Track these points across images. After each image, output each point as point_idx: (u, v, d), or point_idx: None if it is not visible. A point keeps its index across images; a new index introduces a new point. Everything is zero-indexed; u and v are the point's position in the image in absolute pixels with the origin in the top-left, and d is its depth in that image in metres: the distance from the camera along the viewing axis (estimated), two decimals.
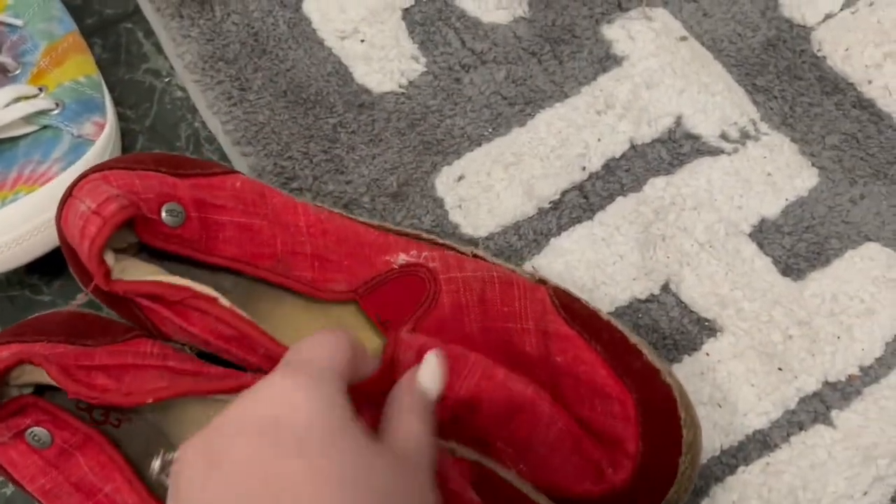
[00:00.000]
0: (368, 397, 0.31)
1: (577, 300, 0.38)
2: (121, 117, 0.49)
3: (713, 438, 0.40)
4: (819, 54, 0.48)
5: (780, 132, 0.46)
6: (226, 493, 0.24)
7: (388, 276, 0.38)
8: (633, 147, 0.46)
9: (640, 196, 0.45)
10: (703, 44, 0.48)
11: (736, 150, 0.46)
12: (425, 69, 0.49)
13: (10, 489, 0.42)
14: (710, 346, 0.42)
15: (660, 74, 0.47)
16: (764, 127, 0.46)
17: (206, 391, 0.34)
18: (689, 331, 0.42)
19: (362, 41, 0.50)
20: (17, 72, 0.45)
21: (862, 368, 0.41)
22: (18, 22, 0.46)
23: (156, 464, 0.33)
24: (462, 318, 0.36)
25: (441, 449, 0.33)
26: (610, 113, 0.47)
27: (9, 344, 0.36)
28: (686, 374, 0.41)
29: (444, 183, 0.46)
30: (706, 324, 0.42)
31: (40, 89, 0.44)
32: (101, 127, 0.45)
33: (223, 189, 0.37)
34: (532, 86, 0.48)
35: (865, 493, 0.39)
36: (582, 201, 0.45)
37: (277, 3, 0.51)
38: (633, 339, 0.36)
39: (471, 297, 0.37)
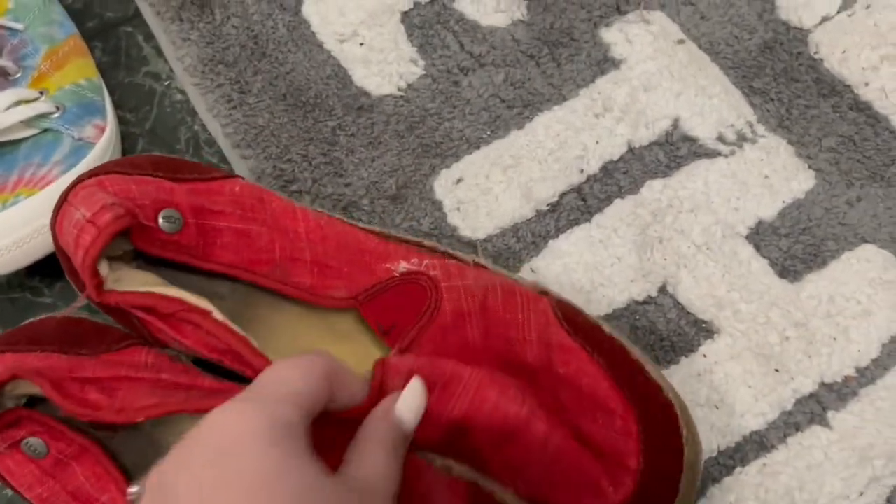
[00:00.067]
0: (357, 424, 0.31)
1: (579, 313, 0.37)
2: (121, 120, 0.49)
3: (710, 440, 0.40)
4: (816, 57, 0.48)
5: (776, 134, 0.46)
6: None
7: (388, 283, 0.37)
8: (630, 150, 0.47)
9: (638, 198, 0.45)
10: (700, 47, 0.49)
11: (733, 153, 0.46)
12: (424, 72, 0.49)
13: (9, 491, 0.42)
14: (707, 347, 0.42)
15: (657, 77, 0.48)
16: (761, 129, 0.46)
17: (195, 409, 0.34)
18: (686, 332, 0.42)
19: (361, 44, 0.50)
20: (18, 75, 0.45)
21: (858, 370, 0.41)
22: (19, 26, 0.46)
23: (132, 490, 0.33)
24: (464, 325, 0.36)
25: (435, 469, 0.33)
26: (608, 116, 0.47)
27: (2, 353, 0.36)
28: (683, 375, 0.41)
29: (443, 185, 0.46)
30: (703, 325, 0.43)
31: (41, 93, 0.45)
32: (102, 130, 0.45)
33: (221, 194, 0.37)
34: (530, 89, 0.48)
35: (861, 494, 0.39)
36: (580, 204, 0.45)
37: (277, 6, 0.51)
38: (636, 353, 0.36)
39: (472, 305, 0.36)
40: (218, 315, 0.35)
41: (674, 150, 0.46)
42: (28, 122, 0.43)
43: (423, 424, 0.33)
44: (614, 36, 0.49)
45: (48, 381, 0.34)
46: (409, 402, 0.32)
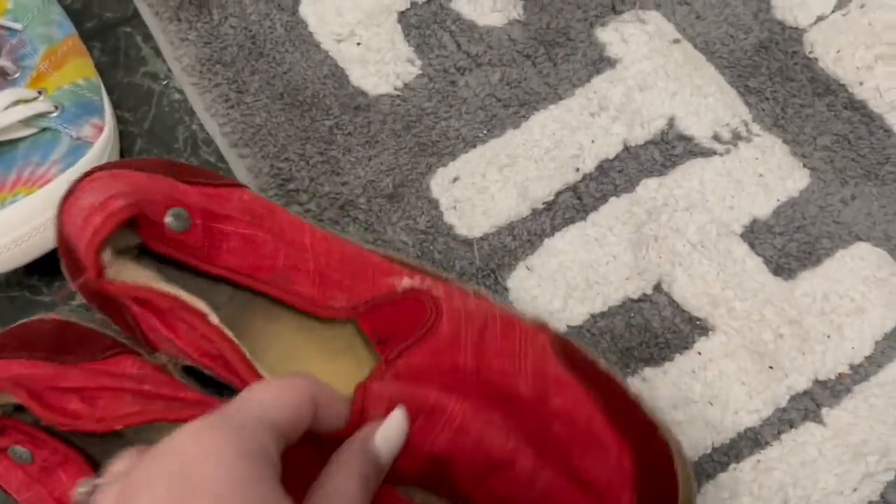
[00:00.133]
0: (334, 444, 0.31)
1: (577, 349, 0.37)
2: (119, 120, 0.49)
3: (705, 436, 0.40)
4: (811, 56, 0.48)
5: (771, 133, 0.47)
6: None
7: (389, 296, 0.37)
8: (626, 148, 0.47)
9: (633, 197, 0.45)
10: (695, 46, 0.49)
11: (728, 152, 0.46)
12: (421, 72, 0.49)
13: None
14: (701, 344, 0.42)
15: (653, 77, 0.48)
16: (756, 128, 0.47)
17: (175, 418, 0.34)
18: (681, 330, 0.43)
19: (358, 44, 0.50)
20: (17, 75, 0.45)
21: (852, 367, 0.41)
22: (18, 26, 0.47)
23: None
24: (459, 348, 0.35)
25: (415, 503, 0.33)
26: (603, 115, 0.47)
27: None
28: (678, 372, 0.42)
29: (440, 184, 0.47)
30: (698, 323, 0.43)
31: (39, 92, 0.45)
32: (100, 129, 0.46)
33: (231, 200, 0.37)
34: (526, 88, 0.49)
35: (855, 490, 0.39)
36: (575, 202, 0.46)
37: (274, 6, 0.52)
38: (632, 392, 0.36)
39: (471, 329, 0.36)
40: (214, 319, 0.34)
41: (669, 149, 0.46)
42: (27, 122, 0.44)
43: (403, 456, 0.32)
44: (610, 35, 0.49)
45: (26, 392, 0.34)
46: (389, 433, 0.31)
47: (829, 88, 0.47)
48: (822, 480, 0.39)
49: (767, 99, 0.47)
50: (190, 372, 0.38)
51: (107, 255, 0.34)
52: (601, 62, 0.49)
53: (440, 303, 0.36)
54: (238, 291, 0.39)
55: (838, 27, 0.49)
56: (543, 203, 0.46)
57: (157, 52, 0.52)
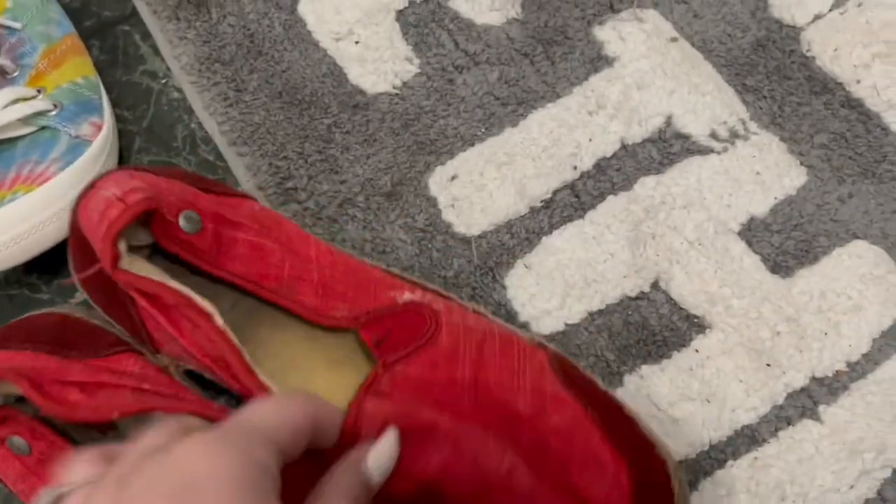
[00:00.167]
0: (325, 458, 0.31)
1: (575, 367, 0.37)
2: (118, 118, 0.50)
3: (702, 434, 0.41)
4: (808, 54, 0.48)
5: (769, 131, 0.47)
6: None
7: (390, 308, 0.37)
8: (623, 147, 0.47)
9: (631, 195, 0.46)
10: (693, 45, 0.49)
11: (725, 150, 0.46)
12: (419, 70, 0.49)
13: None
14: (699, 342, 0.42)
15: (650, 75, 0.48)
16: (753, 126, 0.47)
17: (172, 409, 0.34)
18: (678, 327, 0.43)
19: (357, 43, 0.50)
20: (16, 74, 0.45)
21: (849, 364, 0.42)
22: (17, 25, 0.47)
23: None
24: (456, 362, 0.35)
25: None
26: (601, 113, 0.47)
27: None
28: (675, 370, 0.42)
29: (438, 182, 0.47)
30: (695, 320, 0.43)
31: (38, 91, 0.45)
32: (99, 128, 0.46)
33: (241, 209, 0.38)
34: (524, 86, 0.49)
35: (852, 487, 0.39)
36: (573, 200, 0.46)
37: (273, 5, 0.52)
38: (630, 410, 0.36)
39: (469, 344, 0.36)
40: (219, 320, 0.35)
41: (667, 147, 0.47)
42: (26, 120, 0.44)
43: (396, 476, 0.32)
44: (608, 34, 0.50)
45: (27, 381, 0.34)
46: (381, 455, 0.31)
47: (826, 87, 0.48)
48: (819, 477, 0.39)
49: (765, 97, 0.47)
50: (191, 376, 0.39)
51: (122, 247, 0.34)
52: (599, 61, 0.49)
53: (440, 316, 0.37)
54: (243, 299, 0.39)
55: (836, 25, 0.49)
56: (541, 201, 0.46)
57: (156, 51, 0.52)
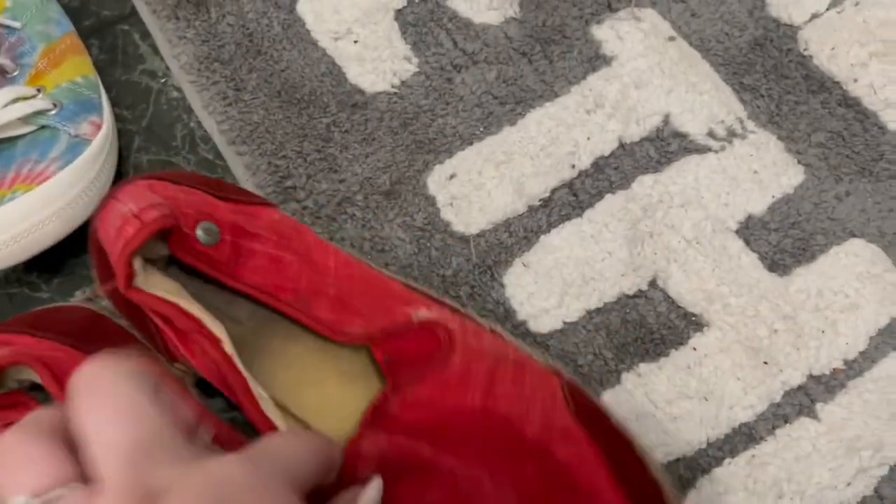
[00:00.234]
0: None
1: (589, 398, 0.37)
2: (117, 118, 0.50)
3: (700, 432, 0.41)
4: (805, 53, 0.49)
5: (766, 130, 0.47)
6: None
7: (405, 327, 0.37)
8: (621, 145, 0.47)
9: (629, 193, 0.46)
10: (691, 44, 0.49)
11: (723, 148, 0.46)
12: (417, 69, 0.50)
13: None
14: (696, 340, 0.42)
15: (648, 74, 0.48)
16: (751, 125, 0.47)
17: None
18: (676, 325, 0.43)
19: (355, 42, 0.50)
20: (16, 73, 0.45)
21: (846, 362, 0.42)
22: (17, 24, 0.47)
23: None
24: (467, 386, 0.35)
25: None
26: (599, 112, 0.48)
27: (20, 334, 0.36)
28: (673, 368, 0.42)
29: (436, 181, 0.47)
30: (693, 319, 0.43)
31: (38, 90, 0.45)
32: (98, 127, 0.46)
33: (261, 219, 0.38)
34: (523, 85, 0.49)
35: (849, 485, 0.39)
36: (571, 199, 0.46)
37: (272, 4, 0.52)
38: (639, 447, 0.36)
39: (481, 368, 0.36)
40: (228, 347, 0.35)
41: (664, 146, 0.47)
42: (25, 119, 0.44)
43: None
44: (605, 33, 0.50)
45: (49, 372, 0.34)
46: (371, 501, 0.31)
47: (823, 85, 0.48)
48: (816, 475, 0.40)
49: (762, 96, 0.48)
50: (204, 384, 0.39)
51: (137, 264, 0.34)
52: (597, 60, 0.49)
53: (454, 337, 0.36)
54: (259, 309, 0.39)
55: (833, 24, 0.49)
56: (539, 200, 0.46)
57: (155, 50, 0.52)
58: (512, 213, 0.46)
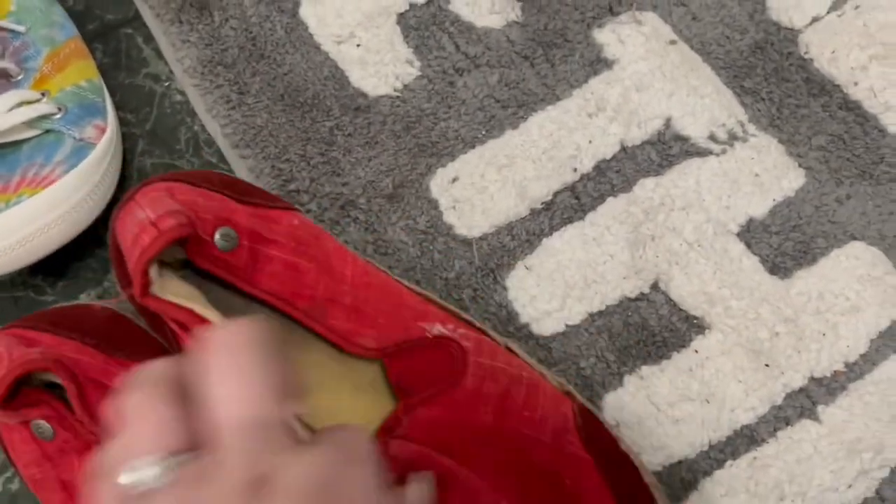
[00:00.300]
0: None
1: (600, 423, 0.37)
2: (121, 121, 0.50)
3: (701, 434, 0.41)
4: (806, 57, 0.49)
5: (767, 133, 0.47)
6: None
7: (419, 342, 0.37)
8: (623, 149, 0.47)
9: (630, 197, 0.46)
10: (692, 47, 0.49)
11: (724, 152, 0.47)
12: (420, 73, 0.50)
13: (15, 485, 0.43)
14: (698, 343, 0.43)
15: (649, 77, 0.48)
16: (752, 128, 0.47)
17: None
18: (677, 328, 0.43)
19: (358, 46, 0.51)
20: (20, 77, 0.46)
21: (847, 365, 0.42)
22: (21, 28, 0.47)
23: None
24: (479, 406, 0.35)
25: None
26: (601, 115, 0.48)
27: (45, 332, 0.36)
28: (675, 370, 0.42)
29: (439, 184, 0.47)
30: (695, 321, 0.43)
31: (43, 94, 0.45)
32: (103, 131, 0.46)
33: (280, 224, 0.37)
34: (524, 89, 0.49)
35: (850, 486, 0.40)
36: (573, 202, 0.46)
37: (275, 8, 0.52)
38: (648, 478, 0.36)
39: (494, 389, 0.36)
40: None
41: (666, 149, 0.47)
42: (30, 124, 0.44)
43: None
44: (607, 37, 0.50)
45: (74, 385, 0.34)
46: (418, 498, 0.31)
47: (824, 89, 0.48)
48: (817, 477, 0.40)
49: (763, 99, 0.48)
50: None
51: (153, 272, 0.34)
52: (598, 63, 0.49)
53: (468, 356, 0.36)
54: (274, 317, 0.39)
55: (833, 28, 0.49)
56: (542, 203, 0.46)
57: (159, 54, 0.52)
58: (514, 217, 0.46)
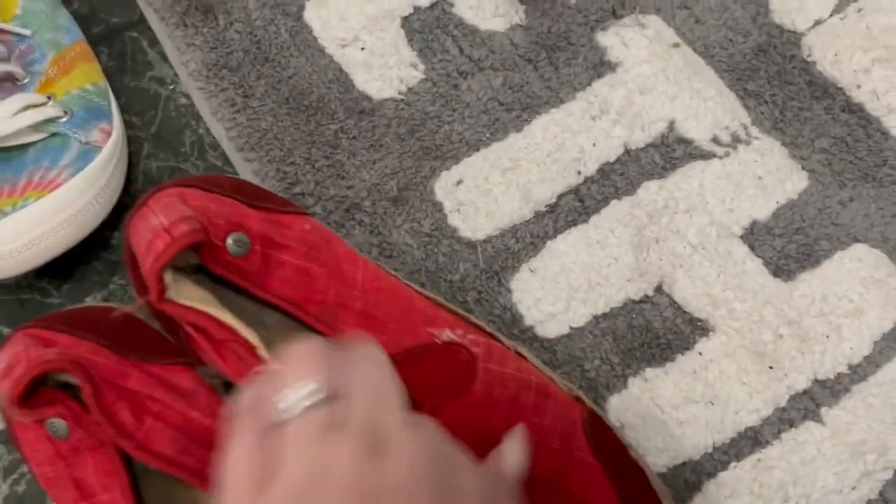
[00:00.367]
0: None
1: (609, 430, 0.37)
2: (127, 124, 0.50)
3: (706, 436, 0.41)
4: (809, 59, 0.49)
5: (770, 136, 0.47)
6: None
7: (428, 348, 0.37)
8: (627, 151, 0.47)
9: (634, 199, 0.46)
10: (695, 50, 0.50)
11: (727, 154, 0.47)
12: (424, 76, 0.50)
13: (22, 486, 0.43)
14: (702, 345, 0.43)
15: (653, 80, 0.49)
16: (755, 131, 0.47)
17: (199, 486, 0.35)
18: (682, 330, 0.43)
19: (362, 49, 0.51)
20: (26, 81, 0.46)
21: (850, 367, 0.42)
22: (27, 32, 0.47)
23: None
24: (488, 413, 0.35)
25: None
26: (604, 118, 0.48)
27: (62, 333, 0.36)
28: (679, 372, 0.42)
29: (443, 187, 0.47)
30: (699, 324, 0.43)
31: (48, 97, 0.46)
32: (108, 134, 0.46)
33: (292, 229, 0.37)
34: (528, 92, 0.49)
35: (854, 488, 0.40)
36: (577, 205, 0.46)
37: (279, 11, 0.52)
38: (657, 484, 0.36)
39: (504, 395, 0.36)
40: (263, 353, 0.35)
41: (669, 152, 0.47)
42: (36, 127, 0.44)
43: None
44: (610, 40, 0.50)
45: (91, 386, 0.34)
46: (515, 451, 0.32)
47: (826, 91, 0.48)
48: (821, 479, 0.40)
49: (766, 102, 0.48)
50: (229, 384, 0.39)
51: (168, 277, 0.34)
52: (602, 66, 0.50)
53: (477, 362, 0.36)
54: (286, 318, 0.39)
55: (836, 31, 0.49)
56: (546, 206, 0.46)
57: (164, 57, 0.53)
58: (518, 219, 0.46)
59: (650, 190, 0.46)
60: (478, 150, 0.48)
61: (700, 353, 0.43)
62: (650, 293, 0.44)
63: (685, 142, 0.47)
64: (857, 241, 0.45)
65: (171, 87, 0.52)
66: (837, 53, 0.49)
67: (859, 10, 0.50)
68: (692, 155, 0.47)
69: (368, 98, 0.50)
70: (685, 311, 0.44)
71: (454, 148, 0.48)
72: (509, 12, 0.51)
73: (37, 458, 0.37)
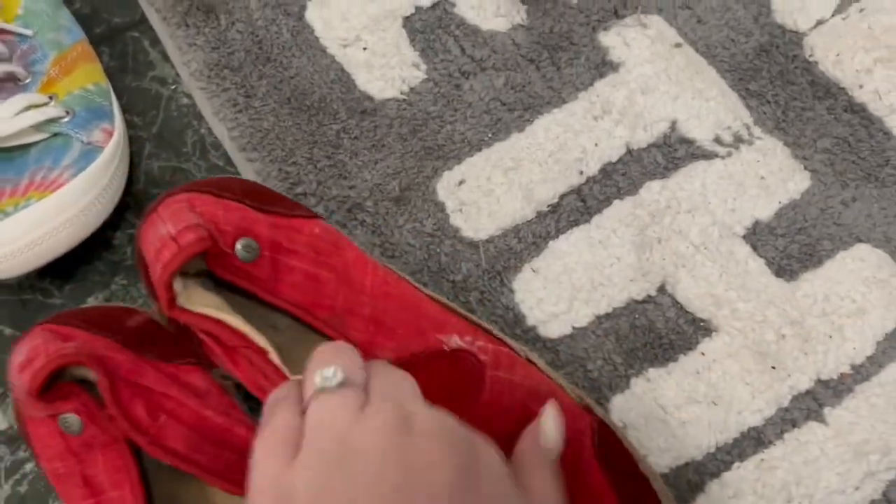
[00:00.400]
0: None
1: (619, 441, 0.37)
2: (128, 124, 0.50)
3: (709, 436, 0.41)
4: (811, 59, 0.49)
5: (773, 136, 0.47)
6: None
7: (436, 353, 0.37)
8: (629, 151, 0.47)
9: (637, 199, 0.46)
10: (697, 50, 0.50)
11: (730, 154, 0.47)
12: (426, 76, 0.50)
13: (24, 487, 0.43)
14: (705, 345, 0.43)
15: (655, 80, 0.49)
16: (757, 131, 0.47)
17: (212, 483, 0.35)
18: (684, 331, 0.43)
19: (364, 49, 0.51)
20: (28, 81, 0.46)
21: (853, 367, 0.42)
22: (28, 32, 0.47)
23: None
24: (496, 421, 0.35)
25: None
26: (606, 118, 0.48)
27: (79, 329, 0.36)
28: (682, 373, 0.42)
29: (446, 187, 0.47)
30: (701, 324, 0.43)
31: (50, 98, 0.45)
32: (110, 134, 0.46)
33: (301, 233, 0.37)
34: (530, 92, 0.49)
35: (857, 488, 0.40)
36: (579, 205, 0.46)
37: (281, 11, 0.52)
38: (658, 485, 0.36)
39: (511, 403, 0.36)
40: (275, 358, 0.35)
41: (671, 152, 0.47)
42: (38, 127, 0.44)
43: None
44: (612, 40, 0.50)
45: (107, 380, 0.34)
46: (552, 426, 0.33)
47: (829, 91, 0.48)
48: (824, 479, 0.40)
49: (768, 102, 0.48)
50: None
51: (177, 285, 0.34)
52: (604, 66, 0.50)
53: (485, 370, 0.36)
54: (296, 322, 0.39)
55: (838, 31, 0.49)
56: (548, 206, 0.46)
57: (166, 57, 0.53)
58: (521, 219, 0.46)
59: (652, 190, 0.46)
60: (480, 150, 0.48)
61: (703, 354, 0.43)
62: (653, 293, 0.44)
63: (687, 142, 0.47)
64: (860, 241, 0.45)
65: (173, 87, 0.52)
66: (839, 53, 0.49)
67: (861, 11, 0.50)
68: (694, 155, 0.47)
69: (370, 98, 0.50)
70: (688, 312, 0.44)
71: (456, 148, 0.48)
72: (511, 12, 0.51)
73: (47, 453, 0.37)
